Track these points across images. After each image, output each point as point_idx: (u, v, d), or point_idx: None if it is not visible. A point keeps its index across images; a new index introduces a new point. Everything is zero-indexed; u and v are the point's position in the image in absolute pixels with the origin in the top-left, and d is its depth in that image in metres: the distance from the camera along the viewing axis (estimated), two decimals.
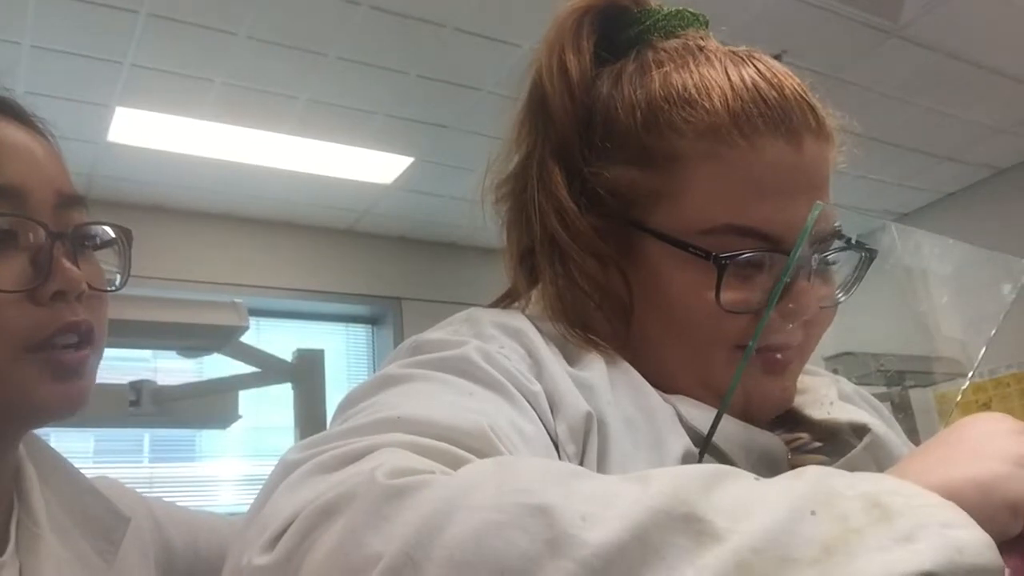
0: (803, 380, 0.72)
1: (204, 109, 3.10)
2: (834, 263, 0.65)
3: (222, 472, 3.94)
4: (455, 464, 0.41)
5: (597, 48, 0.69)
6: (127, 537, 0.78)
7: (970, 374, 0.59)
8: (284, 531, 0.38)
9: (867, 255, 0.65)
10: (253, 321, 1.93)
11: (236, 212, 3.96)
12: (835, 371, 0.78)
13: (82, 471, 0.82)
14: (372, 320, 4.47)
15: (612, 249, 0.65)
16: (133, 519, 0.80)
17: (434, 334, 0.62)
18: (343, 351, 4.34)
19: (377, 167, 3.65)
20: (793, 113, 0.62)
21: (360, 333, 4.47)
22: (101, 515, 0.78)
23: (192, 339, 1.86)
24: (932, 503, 0.35)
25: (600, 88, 0.67)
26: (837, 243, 0.64)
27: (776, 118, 0.61)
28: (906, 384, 3.12)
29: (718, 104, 0.61)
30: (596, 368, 0.61)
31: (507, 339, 0.61)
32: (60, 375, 0.69)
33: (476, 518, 0.34)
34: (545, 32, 0.69)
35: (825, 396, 0.71)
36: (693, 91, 0.62)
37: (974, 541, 0.33)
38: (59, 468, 0.79)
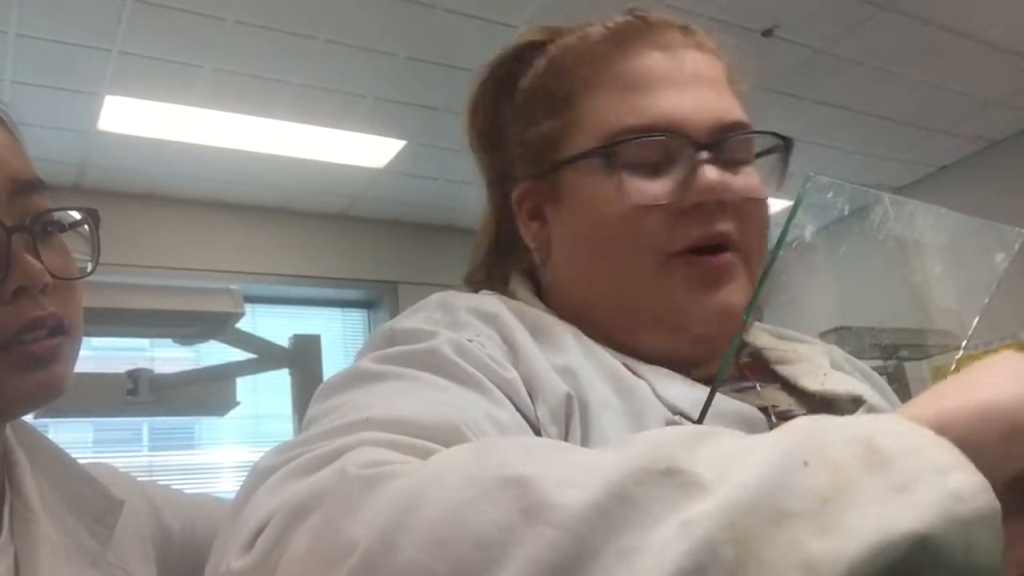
0: (797, 348, 0.73)
1: (194, 95, 3.08)
2: (744, 160, 0.68)
3: (222, 459, 3.95)
4: (425, 457, 0.41)
5: (506, 90, 0.77)
6: (122, 520, 0.78)
7: (963, 344, 0.60)
8: (260, 532, 0.39)
9: (784, 143, 0.69)
10: (248, 308, 1.93)
11: (229, 199, 3.95)
12: (834, 343, 0.78)
13: (80, 460, 0.82)
14: (368, 304, 4.47)
15: (545, 209, 0.72)
16: (127, 502, 0.80)
17: (409, 322, 0.62)
18: (339, 336, 4.35)
19: (369, 151, 3.64)
20: (663, 32, 0.69)
21: (356, 318, 4.47)
22: (94, 499, 0.77)
23: (188, 326, 1.86)
24: (926, 443, 0.33)
25: (515, 95, 0.76)
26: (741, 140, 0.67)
27: (646, 36, 0.69)
28: (901, 356, 3.13)
29: (595, 36, 0.71)
30: (570, 348, 0.62)
31: (482, 325, 0.62)
32: (32, 365, 0.68)
33: (450, 496, 0.34)
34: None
35: (820, 367, 0.71)
36: (576, 38, 0.72)
37: (969, 486, 0.31)
38: (50, 454, 0.78)
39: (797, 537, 0.30)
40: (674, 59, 0.67)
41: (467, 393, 0.54)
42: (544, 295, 0.74)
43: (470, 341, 0.58)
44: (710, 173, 0.63)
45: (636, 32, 0.69)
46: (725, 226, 0.64)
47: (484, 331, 0.61)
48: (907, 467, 0.32)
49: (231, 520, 0.43)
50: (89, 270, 0.77)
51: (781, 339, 0.75)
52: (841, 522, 0.30)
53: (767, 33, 2.88)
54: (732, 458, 0.33)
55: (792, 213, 0.56)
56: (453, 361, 0.56)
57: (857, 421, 0.35)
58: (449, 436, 0.46)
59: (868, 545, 0.29)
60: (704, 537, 0.30)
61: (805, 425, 0.35)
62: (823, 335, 0.86)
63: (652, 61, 0.67)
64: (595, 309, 0.68)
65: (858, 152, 3.96)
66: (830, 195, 0.61)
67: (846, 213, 0.62)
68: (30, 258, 0.68)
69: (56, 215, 0.73)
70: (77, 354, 0.74)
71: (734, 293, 0.64)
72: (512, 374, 0.57)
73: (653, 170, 0.64)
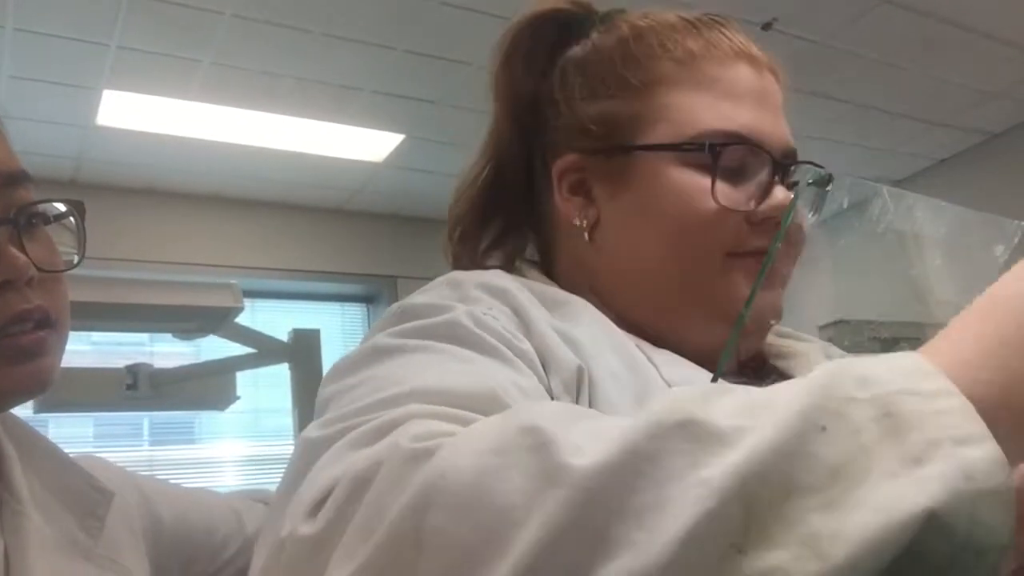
0: (793, 346, 0.74)
1: (192, 90, 3.07)
2: (795, 183, 0.70)
3: (222, 454, 3.95)
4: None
5: (549, 51, 0.75)
6: (113, 512, 0.78)
7: None
8: (323, 500, 0.39)
9: (828, 177, 0.68)
10: (248, 302, 1.93)
11: (228, 193, 3.95)
12: (829, 339, 0.79)
13: (79, 454, 0.82)
14: (368, 299, 4.47)
15: (593, 186, 0.71)
16: (118, 494, 0.80)
17: (420, 298, 0.62)
18: (339, 331, 4.35)
19: (368, 145, 3.64)
20: (752, 48, 0.71)
21: (356, 312, 4.47)
22: (84, 491, 0.77)
23: (187, 321, 1.86)
24: (950, 407, 0.32)
25: (564, 62, 0.74)
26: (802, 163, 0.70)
27: (738, 47, 0.70)
28: (900, 349, 3.13)
29: (689, 35, 0.70)
30: (580, 321, 0.63)
31: (493, 300, 0.61)
32: (18, 358, 0.68)
33: (476, 462, 0.35)
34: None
35: (816, 363, 0.72)
36: (662, 30, 0.71)
37: (985, 461, 0.30)
38: (39, 447, 0.78)
39: (804, 511, 0.30)
40: (759, 76, 0.70)
41: (492, 363, 0.54)
42: (560, 270, 0.74)
43: (484, 314, 0.58)
44: (781, 193, 0.67)
45: (726, 40, 0.70)
46: (779, 243, 0.65)
47: (495, 305, 0.61)
48: (925, 436, 0.31)
49: (288, 488, 0.44)
50: (75, 262, 0.76)
51: (780, 336, 0.77)
52: (849, 499, 0.30)
53: (766, 26, 2.87)
54: (750, 410, 0.33)
55: (791, 206, 0.56)
56: (473, 332, 0.56)
57: (879, 367, 0.33)
58: (490, 405, 0.46)
59: (872, 526, 0.29)
60: (716, 508, 0.30)
61: (826, 376, 0.34)
62: (822, 328, 0.87)
63: (741, 73, 0.69)
64: (640, 292, 0.69)
65: (857, 145, 3.95)
66: (829, 188, 0.61)
67: (845, 206, 0.62)
68: (15, 251, 0.68)
69: (41, 207, 0.73)
70: (64, 346, 0.73)
71: (780, 298, 0.69)
72: (527, 345, 0.58)
73: (733, 176, 0.66)
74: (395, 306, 0.62)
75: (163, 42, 2.79)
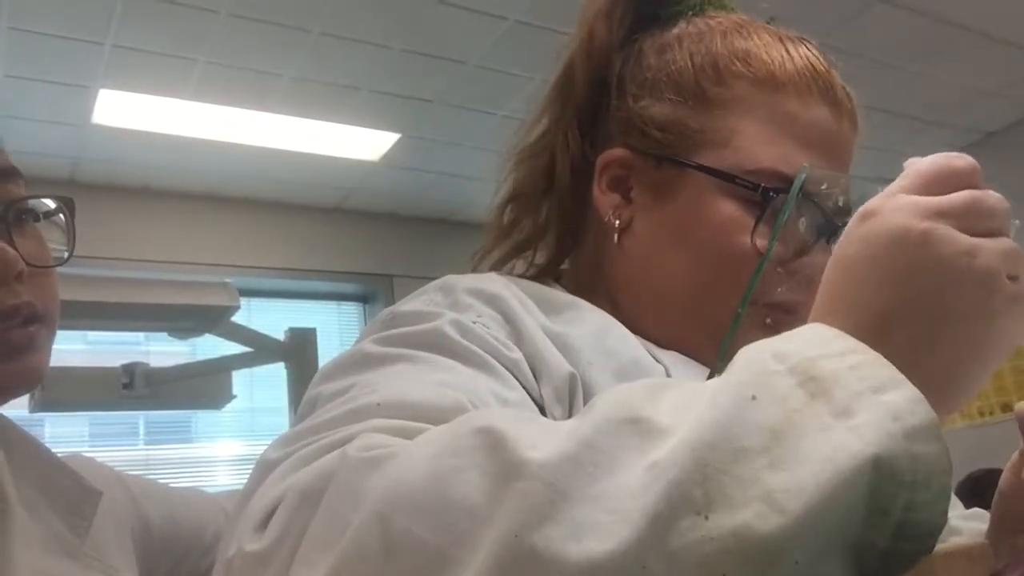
0: None
1: (188, 89, 3.07)
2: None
3: (218, 453, 3.94)
4: None
5: (635, 22, 0.72)
6: (100, 511, 0.78)
7: None
8: (270, 516, 0.39)
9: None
10: (244, 301, 1.93)
11: (224, 192, 3.94)
12: None
13: (79, 453, 0.81)
14: (364, 298, 4.46)
15: (634, 187, 0.68)
16: (106, 494, 0.79)
17: (410, 305, 0.62)
18: (335, 329, 4.34)
19: (364, 144, 3.63)
20: (838, 89, 0.68)
21: (352, 311, 4.47)
22: (71, 490, 0.77)
23: (183, 320, 1.86)
24: (863, 361, 0.35)
25: (643, 42, 0.71)
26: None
27: (825, 87, 0.67)
28: None
29: (776, 62, 0.67)
30: (583, 322, 0.62)
31: (483, 307, 0.61)
32: (9, 354, 0.68)
33: (432, 465, 0.35)
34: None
35: None
36: (754, 49, 0.67)
37: (905, 401, 0.33)
38: (26, 445, 0.78)
39: (755, 471, 0.32)
40: (837, 123, 0.67)
41: (473, 373, 0.53)
42: (572, 268, 0.73)
43: (473, 323, 0.58)
44: (821, 254, 0.63)
45: (812, 72, 0.67)
46: (803, 298, 0.64)
47: (486, 312, 0.60)
48: (847, 391, 0.34)
49: (240, 507, 0.43)
50: (65, 258, 0.76)
51: None
52: (792, 455, 0.32)
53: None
54: (687, 402, 0.35)
55: (787, 204, 0.56)
56: (457, 341, 0.55)
57: (792, 343, 0.37)
58: (455, 416, 0.46)
59: (822, 476, 0.31)
60: (674, 479, 0.31)
61: (746, 357, 0.37)
62: None
63: (820, 116, 0.66)
64: (656, 307, 0.67)
65: None
66: (824, 187, 0.61)
67: (841, 204, 0.62)
68: (3, 245, 0.67)
69: (30, 203, 0.73)
70: (52, 343, 0.73)
71: None
72: (517, 354, 0.57)
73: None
74: (385, 312, 0.62)
75: (159, 41, 2.78)
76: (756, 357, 0.36)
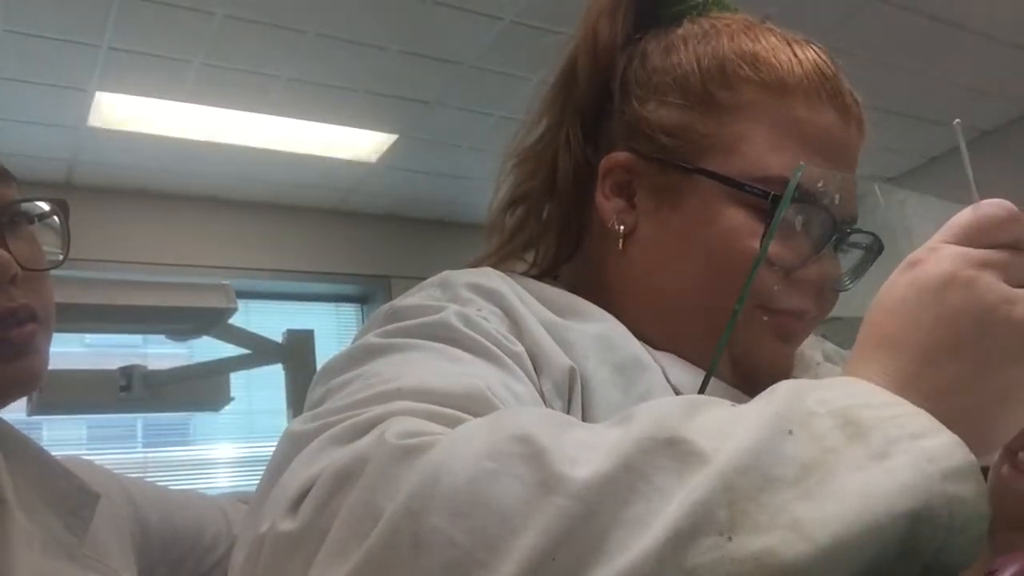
0: None
1: (184, 91, 3.07)
2: (849, 248, 0.66)
3: (217, 455, 3.94)
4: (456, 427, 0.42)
5: (638, 21, 0.71)
6: (99, 514, 0.78)
7: None
8: (303, 496, 0.39)
9: (876, 244, 0.66)
10: (242, 303, 1.93)
11: (221, 194, 3.94)
12: (823, 336, 0.79)
13: (77, 456, 0.81)
14: (362, 299, 4.47)
15: (637, 192, 0.67)
16: (105, 496, 0.79)
17: (409, 300, 0.61)
18: (333, 331, 4.34)
19: (362, 145, 3.63)
20: (846, 94, 0.66)
21: (350, 312, 4.47)
22: (69, 492, 0.77)
23: (181, 322, 1.86)
24: (903, 412, 0.36)
25: (647, 42, 0.70)
26: (857, 231, 0.66)
27: (833, 92, 0.65)
28: None
29: (785, 66, 0.65)
30: (584, 320, 0.62)
31: (483, 301, 0.60)
32: (7, 356, 0.68)
33: (471, 467, 0.35)
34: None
35: (811, 358, 0.72)
36: (762, 52, 0.66)
37: (943, 446, 0.34)
38: (24, 448, 0.78)
39: (784, 500, 0.32)
40: (845, 129, 0.65)
41: (482, 363, 0.53)
42: (570, 269, 0.72)
43: (475, 315, 0.57)
44: (831, 262, 0.64)
45: (821, 80, 0.65)
46: (811, 305, 0.65)
47: (486, 306, 0.60)
48: (885, 436, 0.34)
49: (268, 483, 0.43)
50: (60, 261, 0.76)
51: None
52: (824, 489, 0.32)
53: None
54: (725, 426, 0.35)
55: (784, 201, 0.56)
56: (463, 332, 0.55)
57: (834, 391, 0.37)
58: (478, 405, 0.46)
59: (854, 511, 0.31)
60: (700, 499, 0.32)
61: (788, 393, 0.37)
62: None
63: (828, 121, 0.64)
64: (659, 314, 0.66)
65: None
66: (820, 184, 0.61)
67: (836, 202, 0.62)
68: None
69: (24, 206, 0.73)
70: (50, 345, 0.73)
71: (793, 352, 0.68)
72: (519, 347, 0.57)
73: (788, 232, 0.62)
74: (385, 307, 0.61)
75: (154, 43, 2.78)
76: (798, 395, 0.37)
